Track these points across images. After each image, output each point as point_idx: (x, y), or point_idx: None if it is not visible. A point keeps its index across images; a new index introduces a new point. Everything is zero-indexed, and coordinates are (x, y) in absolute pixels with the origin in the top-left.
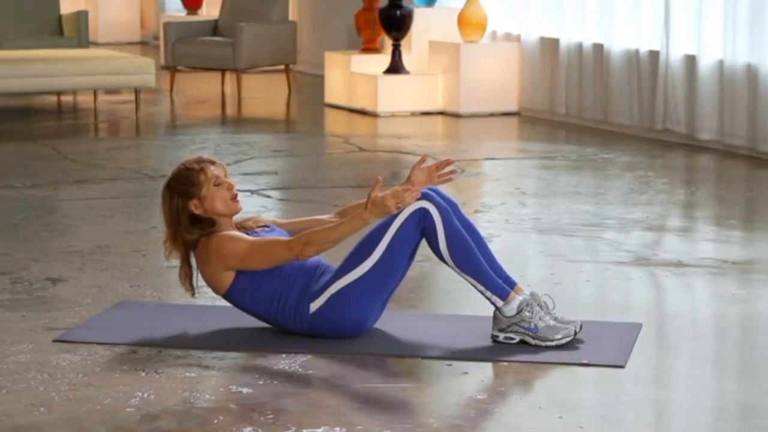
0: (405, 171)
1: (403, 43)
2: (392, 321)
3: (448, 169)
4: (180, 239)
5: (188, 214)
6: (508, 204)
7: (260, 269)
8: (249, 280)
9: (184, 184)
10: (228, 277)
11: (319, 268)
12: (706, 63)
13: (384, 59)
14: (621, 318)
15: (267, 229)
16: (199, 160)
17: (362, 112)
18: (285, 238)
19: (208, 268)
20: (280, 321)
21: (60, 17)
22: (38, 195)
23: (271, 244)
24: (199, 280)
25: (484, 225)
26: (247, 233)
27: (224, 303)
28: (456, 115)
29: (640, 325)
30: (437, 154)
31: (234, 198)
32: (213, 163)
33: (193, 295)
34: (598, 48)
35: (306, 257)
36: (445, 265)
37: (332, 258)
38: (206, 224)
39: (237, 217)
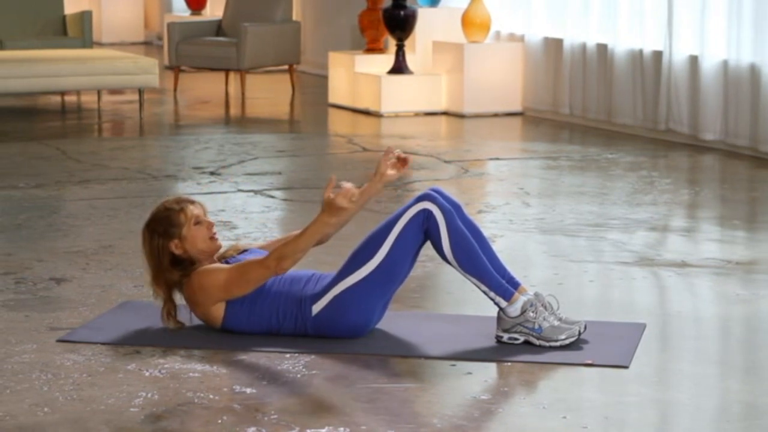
0: (408, 171)
1: (407, 43)
2: (396, 321)
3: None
4: (162, 279)
5: (169, 255)
6: (512, 204)
7: (245, 293)
8: (239, 307)
9: (164, 225)
10: (219, 310)
11: (313, 276)
12: (709, 63)
13: (388, 59)
14: (625, 318)
15: (246, 252)
16: (179, 200)
17: (366, 113)
18: (260, 257)
19: (198, 307)
20: (282, 331)
21: (64, 17)
22: (42, 195)
23: (247, 265)
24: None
25: (487, 225)
26: (228, 261)
27: None
28: (460, 116)
29: (643, 326)
30: (441, 154)
31: (213, 236)
32: (192, 202)
33: (181, 328)
34: (602, 48)
35: (284, 270)
36: (448, 266)
37: (335, 259)
38: (186, 264)
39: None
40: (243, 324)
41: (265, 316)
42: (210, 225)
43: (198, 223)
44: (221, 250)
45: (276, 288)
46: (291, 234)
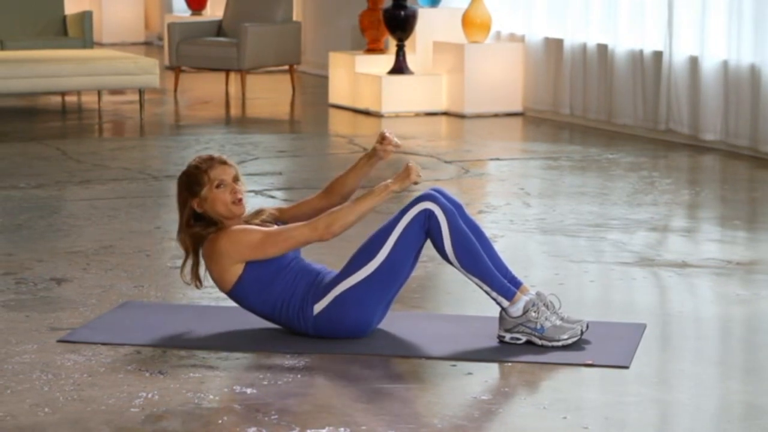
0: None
1: (408, 43)
2: (396, 321)
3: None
4: (184, 232)
5: (191, 211)
6: (513, 204)
7: (279, 253)
8: (253, 281)
9: (190, 181)
10: (235, 274)
11: (321, 273)
12: (709, 64)
13: (388, 60)
14: (625, 318)
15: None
16: (210, 159)
17: (366, 113)
18: (304, 222)
19: (215, 264)
20: (284, 321)
21: (64, 17)
22: (42, 195)
23: (292, 229)
24: (206, 278)
25: (488, 225)
26: None
27: (229, 303)
28: (460, 116)
29: (644, 326)
30: (441, 155)
31: (236, 201)
32: (224, 163)
33: (200, 286)
34: (603, 48)
35: (332, 235)
36: (449, 266)
37: (336, 259)
38: (209, 222)
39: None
40: (251, 298)
41: (270, 301)
42: (234, 190)
43: (220, 186)
44: (244, 216)
45: (291, 276)
46: (306, 200)
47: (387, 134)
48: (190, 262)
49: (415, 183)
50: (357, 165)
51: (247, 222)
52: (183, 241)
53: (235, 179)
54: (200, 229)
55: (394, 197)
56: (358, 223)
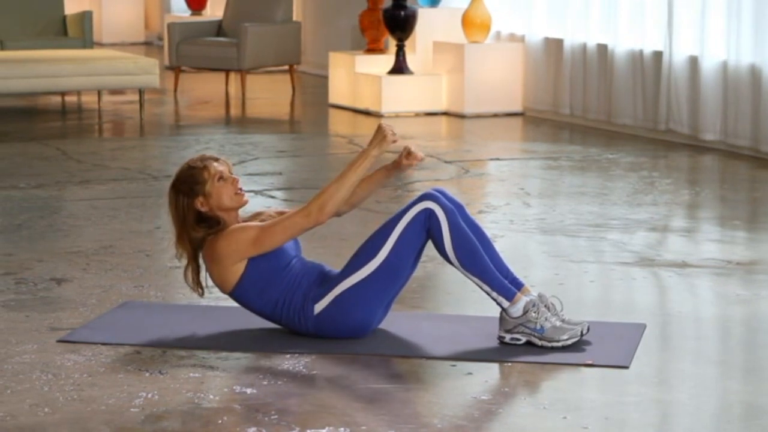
0: (409, 171)
1: (408, 43)
2: (396, 321)
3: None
4: (186, 238)
5: (195, 213)
6: (513, 204)
7: (276, 245)
8: (255, 280)
9: (188, 183)
10: (236, 274)
11: (322, 272)
12: (709, 64)
13: (388, 60)
14: (625, 318)
15: None
16: (202, 158)
17: (366, 113)
18: (297, 209)
19: (216, 265)
20: (284, 321)
21: (64, 17)
22: (42, 195)
23: (286, 218)
24: (207, 281)
25: (488, 225)
26: None
27: (229, 303)
28: (460, 116)
29: (644, 326)
30: (441, 155)
31: (239, 191)
32: (216, 159)
33: (202, 294)
34: (602, 48)
35: (326, 216)
36: (449, 266)
37: (336, 259)
38: (212, 222)
39: (242, 215)
40: (252, 298)
41: (271, 300)
42: (234, 181)
43: (222, 179)
44: (246, 213)
45: (293, 274)
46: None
47: (413, 150)
48: (192, 266)
49: (393, 142)
50: (374, 176)
51: (245, 221)
52: (184, 247)
53: (230, 172)
54: (204, 231)
55: (395, 198)
56: (353, 210)
